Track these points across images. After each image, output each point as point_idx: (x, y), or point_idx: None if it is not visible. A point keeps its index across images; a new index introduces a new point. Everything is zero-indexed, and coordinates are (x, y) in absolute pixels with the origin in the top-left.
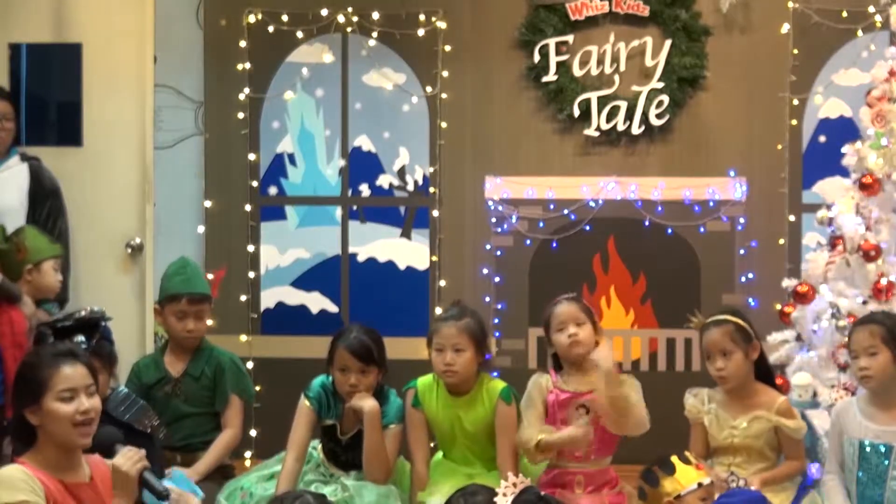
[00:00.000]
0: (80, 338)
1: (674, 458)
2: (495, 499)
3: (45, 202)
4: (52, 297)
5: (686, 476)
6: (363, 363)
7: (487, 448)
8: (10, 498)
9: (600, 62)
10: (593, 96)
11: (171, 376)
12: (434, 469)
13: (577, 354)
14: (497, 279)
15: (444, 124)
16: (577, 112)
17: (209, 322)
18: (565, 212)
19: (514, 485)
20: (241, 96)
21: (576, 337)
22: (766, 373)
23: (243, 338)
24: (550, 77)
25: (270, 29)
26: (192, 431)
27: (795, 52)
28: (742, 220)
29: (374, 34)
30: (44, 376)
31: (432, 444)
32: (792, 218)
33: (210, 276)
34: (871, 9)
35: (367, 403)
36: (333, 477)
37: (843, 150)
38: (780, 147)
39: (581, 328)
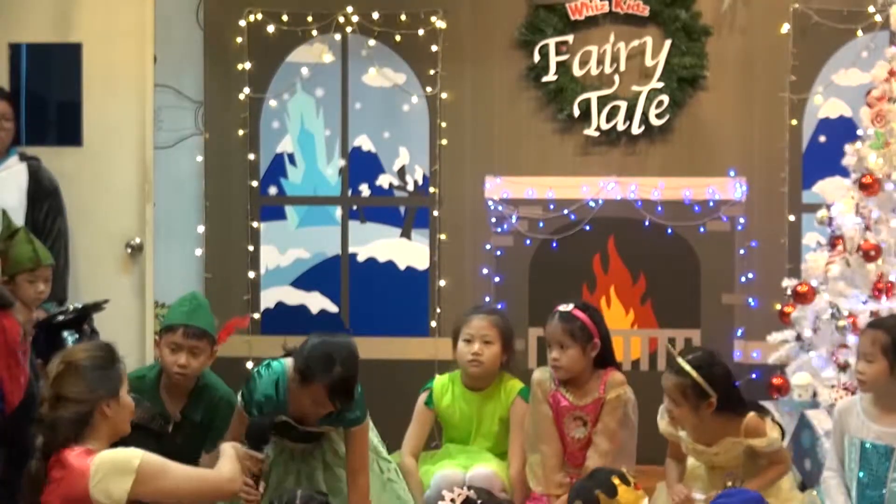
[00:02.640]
0: (68, 333)
1: (615, 480)
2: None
3: (44, 202)
4: (33, 307)
5: (627, 498)
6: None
7: (500, 444)
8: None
9: (600, 62)
10: (593, 96)
11: (168, 416)
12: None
13: (559, 378)
14: (497, 279)
15: (444, 124)
16: (577, 112)
17: (207, 365)
18: (565, 212)
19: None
20: (241, 96)
21: (556, 362)
22: (730, 403)
23: (243, 338)
24: (550, 77)
25: (270, 29)
26: None
27: (795, 51)
28: (742, 220)
29: (374, 34)
30: (119, 371)
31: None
32: (792, 218)
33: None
34: (871, 8)
35: None
36: (295, 458)
37: (844, 149)
38: (780, 147)
39: (564, 353)
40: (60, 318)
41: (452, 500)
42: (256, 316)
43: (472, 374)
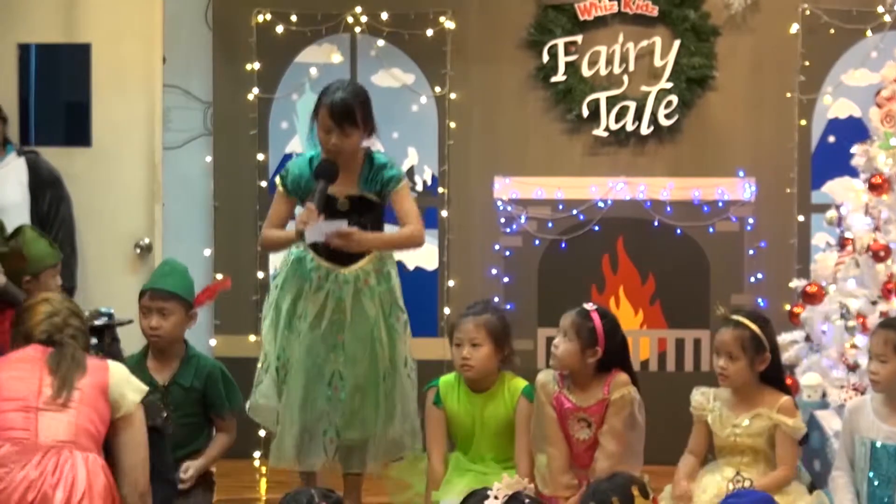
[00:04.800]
0: (93, 341)
1: (634, 490)
2: (486, 502)
3: (46, 192)
4: None
5: None
6: (345, 124)
7: (508, 446)
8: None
9: (609, 62)
10: (602, 96)
11: (156, 384)
12: (450, 466)
13: (467, 377)
14: (506, 279)
15: (452, 124)
16: (585, 112)
17: (183, 327)
18: (574, 212)
19: (508, 486)
20: (250, 96)
21: (554, 350)
22: (776, 376)
23: (252, 338)
24: (559, 77)
25: (279, 29)
26: (178, 441)
27: (804, 52)
28: (751, 221)
29: (383, 34)
30: None
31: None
32: (801, 218)
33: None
34: (881, 9)
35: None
36: (329, 278)
37: (853, 150)
38: (789, 147)
39: (563, 342)
40: (99, 323)
41: (496, 497)
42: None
43: (467, 380)
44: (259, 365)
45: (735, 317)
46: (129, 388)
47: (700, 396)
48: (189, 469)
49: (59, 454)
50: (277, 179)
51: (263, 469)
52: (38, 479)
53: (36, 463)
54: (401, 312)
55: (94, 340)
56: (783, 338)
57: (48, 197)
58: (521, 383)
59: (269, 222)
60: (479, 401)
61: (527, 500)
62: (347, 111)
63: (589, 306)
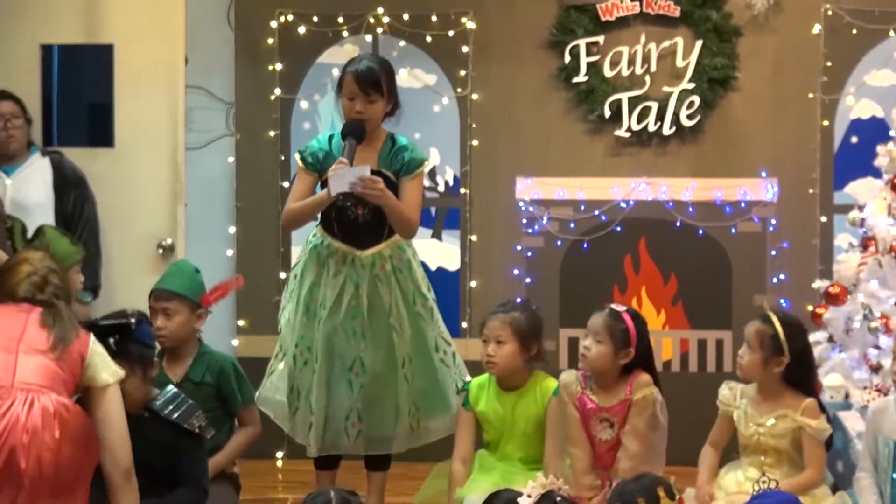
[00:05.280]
0: (113, 341)
1: (660, 491)
2: (519, 499)
3: (70, 192)
4: (74, 297)
5: None
6: (369, 90)
7: (536, 447)
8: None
9: (631, 63)
10: (624, 97)
11: (170, 382)
12: (476, 464)
13: (581, 368)
14: (528, 280)
15: (474, 125)
16: (607, 113)
17: (189, 326)
18: (596, 213)
19: (543, 486)
20: (272, 97)
21: (585, 351)
22: (803, 380)
23: (273, 338)
24: (581, 78)
25: (301, 30)
26: None
27: (826, 52)
28: (773, 221)
29: (405, 35)
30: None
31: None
32: (824, 219)
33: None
34: None
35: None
36: (346, 262)
37: (876, 150)
38: (811, 148)
39: (595, 345)
40: (108, 322)
41: (529, 496)
42: None
43: (498, 379)
44: (273, 356)
45: (768, 312)
46: (103, 366)
47: (728, 391)
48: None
49: (28, 395)
50: (297, 156)
51: (285, 469)
52: (8, 425)
53: (6, 408)
54: (424, 298)
55: (109, 341)
56: None
57: (73, 197)
58: (553, 383)
59: (292, 198)
60: (509, 399)
61: (558, 499)
62: (373, 77)
63: (618, 307)
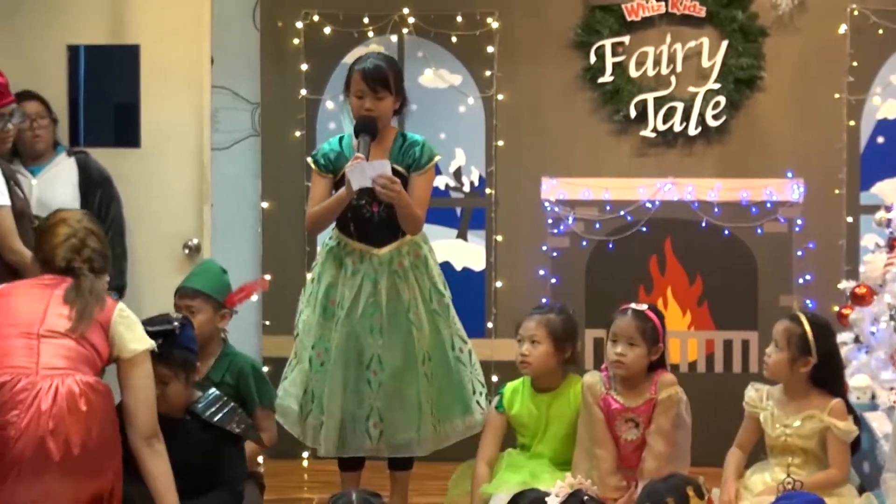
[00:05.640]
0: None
1: (689, 491)
2: (546, 499)
3: (96, 191)
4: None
5: None
6: (378, 87)
7: (568, 449)
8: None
9: (657, 63)
10: (650, 97)
11: None
12: (504, 463)
13: (617, 375)
14: (553, 280)
15: (500, 125)
16: (633, 113)
17: (212, 325)
18: (622, 213)
19: (571, 486)
20: (298, 97)
21: (621, 358)
22: (830, 381)
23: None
24: (606, 78)
25: (327, 30)
26: None
27: (853, 52)
28: (800, 222)
29: (431, 35)
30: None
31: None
32: (850, 219)
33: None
34: None
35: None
36: (364, 260)
37: None
38: (837, 148)
39: (631, 350)
40: (154, 328)
41: (557, 495)
42: None
43: (532, 380)
44: (287, 364)
45: (798, 312)
46: (130, 334)
47: (754, 392)
48: None
49: (53, 381)
50: (309, 160)
51: (311, 469)
52: (35, 415)
53: (32, 398)
54: (441, 295)
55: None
56: None
57: (98, 197)
58: None
59: (312, 203)
60: (543, 401)
61: (585, 498)
62: (380, 75)
63: (639, 307)
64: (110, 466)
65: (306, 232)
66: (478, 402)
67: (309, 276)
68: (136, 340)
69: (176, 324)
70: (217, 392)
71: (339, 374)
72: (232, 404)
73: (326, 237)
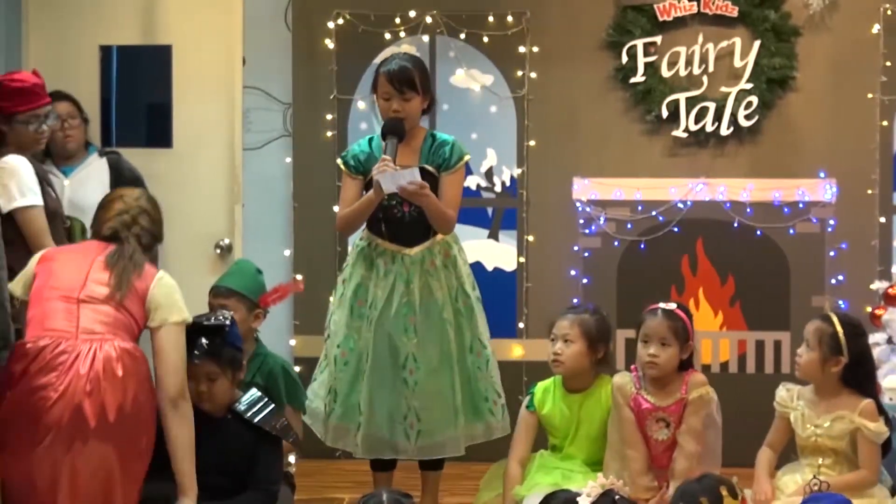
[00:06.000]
0: (206, 340)
1: (723, 490)
2: (578, 499)
3: None
4: None
5: None
6: (404, 89)
7: (599, 449)
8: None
9: (689, 63)
10: (682, 97)
11: None
12: (535, 464)
13: (650, 375)
14: (585, 280)
15: (531, 125)
16: (665, 113)
17: (246, 325)
18: (653, 213)
19: (603, 486)
20: (330, 97)
21: (654, 358)
22: (861, 382)
23: None
24: (638, 78)
25: (358, 30)
26: None
27: (886, 52)
28: (832, 222)
29: (462, 35)
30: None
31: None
32: (883, 220)
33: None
34: None
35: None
36: (395, 260)
37: None
38: (870, 148)
39: (663, 350)
40: (210, 322)
41: (588, 495)
42: None
43: (564, 380)
44: (318, 366)
45: (829, 312)
46: (168, 304)
47: (785, 393)
48: None
49: (91, 345)
50: (339, 162)
51: (343, 469)
52: (73, 380)
53: (70, 362)
54: (467, 296)
55: (204, 340)
56: None
57: None
58: None
59: (343, 204)
60: (575, 401)
61: (617, 498)
62: (407, 75)
63: (668, 306)
64: (145, 433)
65: (338, 232)
66: (490, 411)
67: (340, 277)
68: (173, 311)
69: (227, 321)
70: (258, 393)
71: (375, 375)
72: (272, 405)
73: (357, 238)
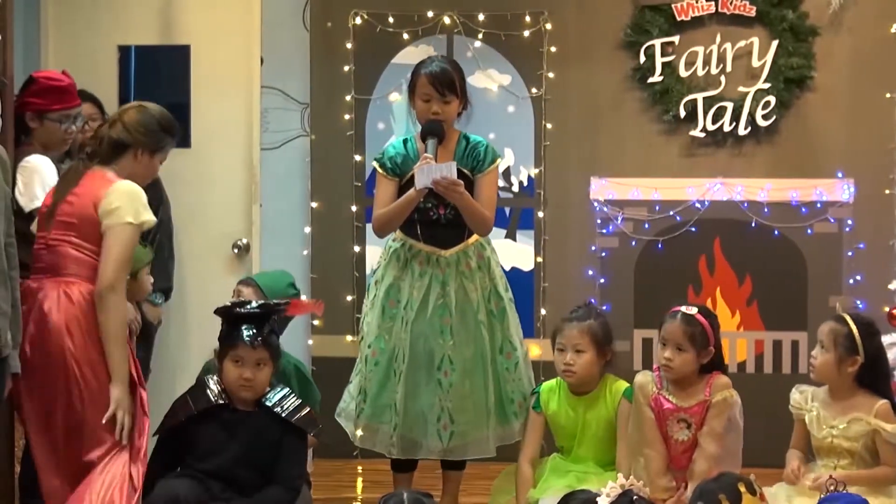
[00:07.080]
0: (246, 327)
1: (741, 487)
2: (598, 499)
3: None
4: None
5: None
6: (445, 91)
7: (609, 449)
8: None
9: (706, 63)
10: (699, 97)
11: None
12: (548, 467)
13: (666, 378)
14: (602, 280)
15: (549, 125)
16: (682, 113)
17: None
18: (671, 213)
19: (622, 486)
20: (347, 97)
21: (669, 362)
22: (876, 383)
23: (349, 338)
24: (656, 78)
25: (376, 30)
26: None
27: None
28: (850, 222)
29: (480, 35)
30: (168, 142)
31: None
32: None
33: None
34: None
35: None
36: (431, 262)
37: None
38: (889, 148)
39: (678, 354)
40: (241, 309)
41: (608, 495)
42: (360, 316)
43: (568, 384)
44: (354, 366)
45: (841, 313)
46: (126, 207)
47: (798, 395)
48: None
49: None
50: (375, 164)
51: (362, 469)
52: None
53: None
54: (499, 298)
55: (251, 329)
56: (882, 340)
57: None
58: (623, 385)
59: (379, 205)
60: (581, 403)
61: (635, 498)
62: (448, 78)
63: (689, 310)
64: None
65: (375, 233)
66: (515, 413)
67: (373, 279)
68: (130, 213)
69: (281, 309)
70: (287, 388)
71: (410, 376)
72: (299, 401)
73: (390, 240)
